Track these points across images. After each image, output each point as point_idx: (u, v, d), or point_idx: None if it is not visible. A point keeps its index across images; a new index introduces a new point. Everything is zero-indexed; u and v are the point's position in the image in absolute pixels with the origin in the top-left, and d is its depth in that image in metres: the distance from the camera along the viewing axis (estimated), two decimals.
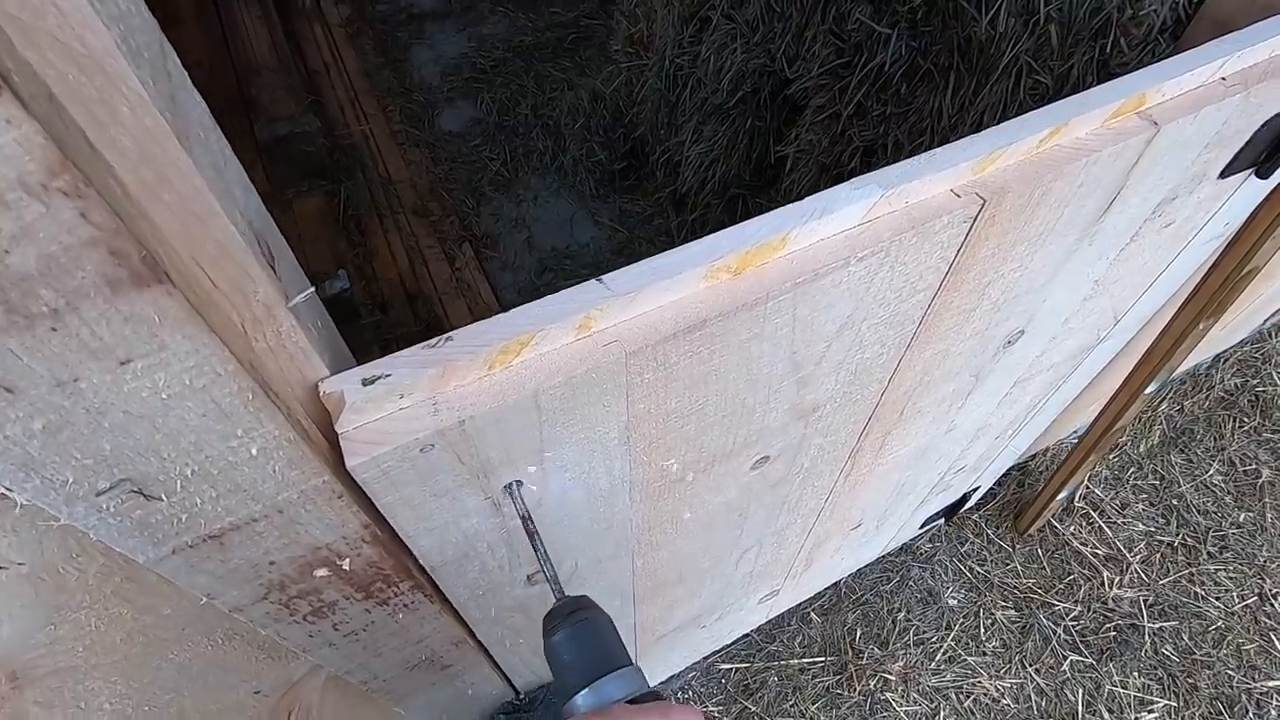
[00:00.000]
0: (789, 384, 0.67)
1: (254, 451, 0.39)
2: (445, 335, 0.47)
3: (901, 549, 1.86)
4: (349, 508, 0.47)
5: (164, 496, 0.38)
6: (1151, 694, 1.69)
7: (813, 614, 1.78)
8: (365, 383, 0.44)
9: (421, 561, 0.59)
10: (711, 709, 1.66)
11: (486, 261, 2.41)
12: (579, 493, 0.63)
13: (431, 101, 2.89)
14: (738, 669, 1.71)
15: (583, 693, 0.48)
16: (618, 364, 0.50)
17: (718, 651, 1.71)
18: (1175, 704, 1.67)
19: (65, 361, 0.29)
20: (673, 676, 1.68)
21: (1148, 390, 1.35)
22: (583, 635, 0.51)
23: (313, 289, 0.40)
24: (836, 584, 1.80)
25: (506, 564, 0.66)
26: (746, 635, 1.74)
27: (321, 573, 0.51)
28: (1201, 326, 1.21)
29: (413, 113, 2.82)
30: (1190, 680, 1.70)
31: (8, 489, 0.33)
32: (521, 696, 1.04)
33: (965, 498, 1.67)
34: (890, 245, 0.58)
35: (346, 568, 0.52)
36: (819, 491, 1.00)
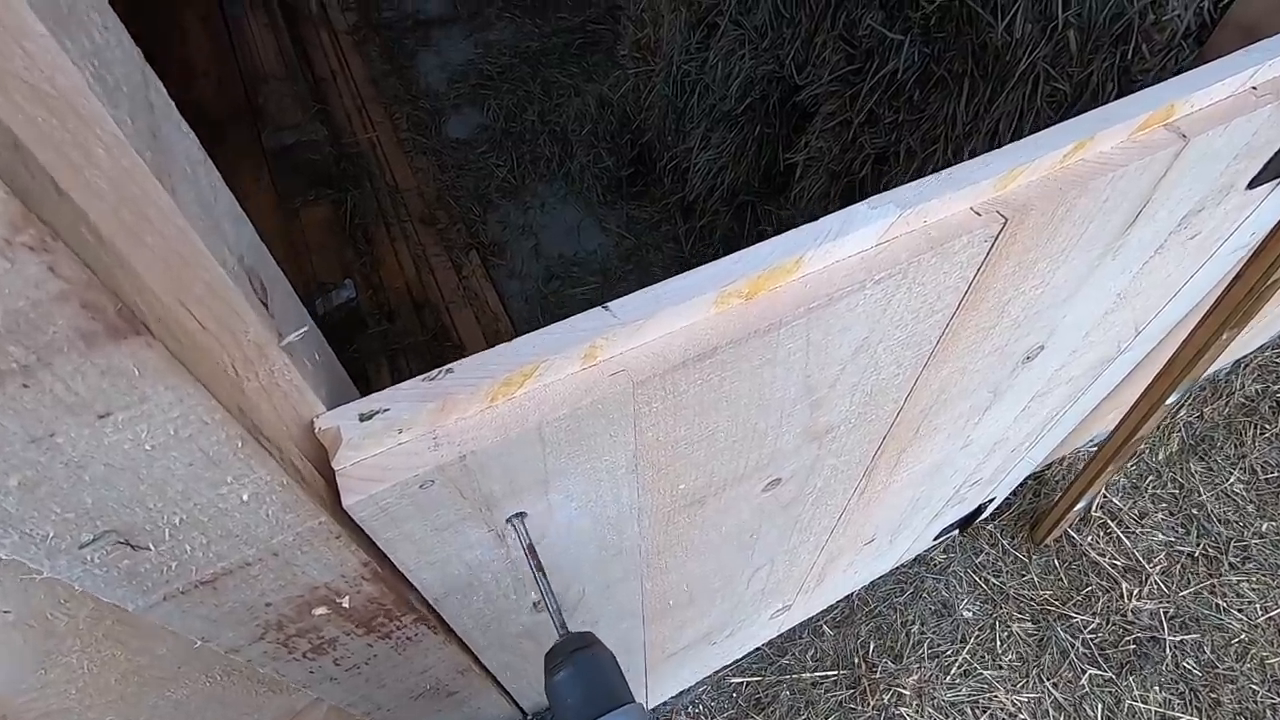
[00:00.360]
0: (802, 407, 0.65)
1: (245, 497, 0.37)
2: (445, 367, 0.45)
3: (915, 560, 1.83)
4: (347, 547, 0.45)
5: (151, 546, 0.36)
6: (1173, 709, 1.65)
7: (825, 627, 1.75)
8: (363, 418, 0.43)
9: (424, 594, 0.57)
10: None
11: (493, 269, 2.39)
12: (586, 521, 0.61)
13: (438, 108, 2.89)
14: (749, 683, 1.68)
15: None
16: (625, 394, 0.48)
17: (729, 666, 1.69)
18: (1198, 719, 1.63)
19: (39, 418, 0.27)
20: (683, 691, 1.66)
21: (1169, 400, 1.32)
22: (584, 673, 0.51)
23: (307, 327, 0.38)
24: (849, 596, 1.77)
25: (511, 592, 0.64)
26: (758, 649, 1.71)
27: (320, 611, 0.50)
28: (1225, 336, 1.17)
29: (419, 120, 2.81)
30: (1213, 695, 1.66)
31: None
32: (529, 718, 1.03)
33: (980, 509, 1.64)
34: (908, 266, 0.55)
35: (346, 605, 0.51)
36: (832, 510, 0.98)
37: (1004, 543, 1.87)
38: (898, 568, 1.82)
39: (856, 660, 1.71)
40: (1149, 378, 1.34)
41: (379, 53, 3.07)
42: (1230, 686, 1.67)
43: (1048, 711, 1.65)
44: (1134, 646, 1.72)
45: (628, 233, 2.48)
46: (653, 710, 1.63)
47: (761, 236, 0.56)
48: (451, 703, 0.81)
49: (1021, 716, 1.65)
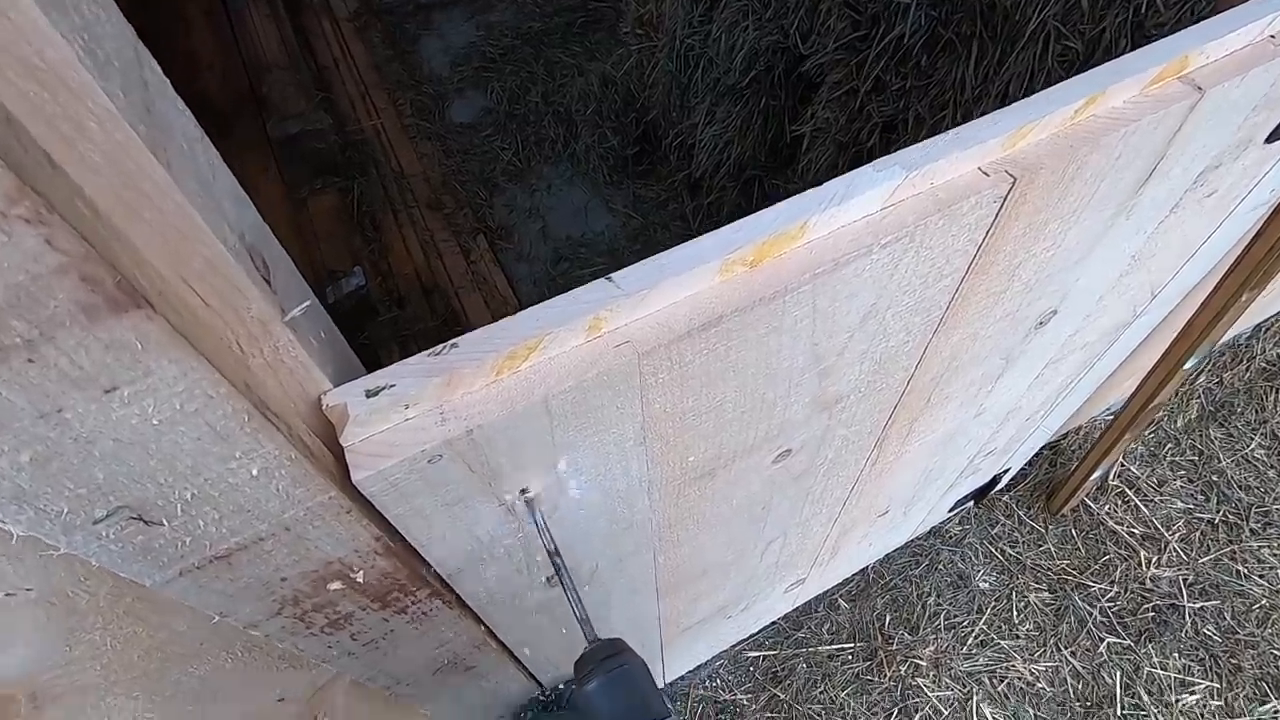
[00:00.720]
0: (810, 376, 0.64)
1: (255, 472, 0.37)
2: (450, 342, 0.45)
3: (930, 533, 1.83)
4: (358, 522, 0.46)
5: (165, 521, 0.36)
6: (1193, 675, 1.65)
7: (841, 600, 1.75)
8: (369, 394, 0.43)
9: (438, 570, 0.57)
10: (740, 696, 1.65)
11: (501, 253, 2.39)
12: (596, 495, 0.61)
13: (442, 93, 2.87)
14: (766, 656, 1.70)
15: None
16: (630, 365, 0.48)
17: (745, 640, 1.70)
18: (1218, 685, 1.63)
19: (46, 392, 0.28)
20: (700, 666, 1.68)
21: (1186, 366, 1.30)
22: (618, 684, 0.51)
23: (310, 301, 0.38)
24: (864, 570, 1.78)
25: (525, 567, 0.65)
26: (774, 623, 1.72)
27: (335, 586, 0.50)
28: (1244, 298, 1.15)
29: (423, 105, 2.80)
30: (1234, 661, 1.65)
31: (2, 521, 0.32)
32: (547, 691, 1.04)
33: (995, 480, 1.63)
34: (915, 229, 0.55)
35: (360, 580, 0.51)
36: (844, 482, 0.98)
37: (1020, 514, 1.86)
38: (913, 541, 1.81)
39: (873, 632, 1.71)
40: (1166, 342, 1.32)
41: (381, 38, 3.05)
42: (1251, 652, 1.66)
43: (1065, 680, 1.65)
44: (1153, 614, 1.72)
45: (635, 212, 2.47)
46: (670, 684, 1.65)
47: None
48: (469, 676, 0.83)
49: (1039, 685, 1.65)
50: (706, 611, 1.20)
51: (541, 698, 1.03)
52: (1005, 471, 1.62)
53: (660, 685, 1.55)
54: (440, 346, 0.45)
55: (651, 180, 2.52)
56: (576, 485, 0.58)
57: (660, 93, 2.19)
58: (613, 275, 0.48)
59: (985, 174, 0.58)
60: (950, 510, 1.69)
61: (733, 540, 0.94)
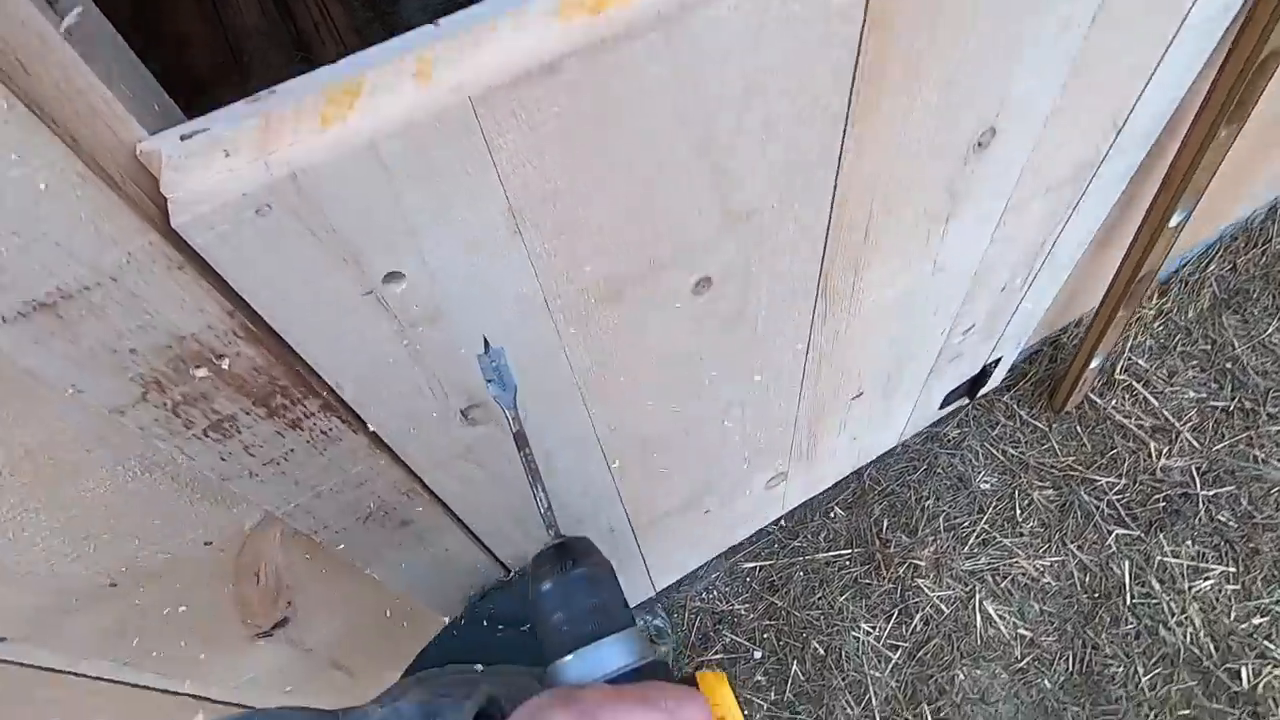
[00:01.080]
0: (702, 172, 0.62)
1: (42, 186, 0.37)
2: (269, 89, 0.44)
3: (927, 438, 1.79)
4: (198, 284, 0.45)
5: None
6: (1207, 561, 1.59)
7: (836, 508, 1.73)
8: (183, 138, 0.42)
9: (321, 374, 0.57)
10: (738, 606, 1.64)
11: None
12: (480, 292, 0.60)
13: None
14: (762, 566, 1.68)
15: (569, 658, 0.41)
16: (465, 114, 0.46)
17: (740, 550, 1.69)
18: (1234, 569, 1.57)
19: None
20: (695, 579, 1.67)
21: (1172, 222, 1.24)
22: (577, 588, 0.44)
23: (81, 7, 0.38)
24: (860, 476, 1.75)
25: (427, 389, 0.64)
26: (769, 534, 1.71)
27: (201, 373, 0.50)
28: (1223, 135, 1.09)
29: None
30: (1250, 545, 1.59)
31: None
32: (512, 574, 1.04)
33: (986, 372, 1.58)
34: None
35: (228, 368, 0.51)
36: (791, 338, 0.95)
37: (1021, 414, 1.80)
38: (909, 446, 1.78)
39: (870, 537, 1.69)
40: (1147, 205, 1.26)
41: (360, 1, 3.05)
42: (1269, 535, 1.59)
43: (1072, 573, 1.61)
44: (1164, 504, 1.66)
45: None
46: (664, 597, 1.65)
47: None
48: (410, 535, 0.83)
49: (1044, 580, 1.61)
50: (678, 501, 1.19)
51: (505, 580, 1.04)
52: (997, 362, 1.57)
53: (651, 595, 1.55)
54: (260, 93, 0.44)
55: None
56: (453, 280, 0.56)
57: None
58: (439, 20, 0.46)
59: None
60: (942, 406, 1.65)
61: (678, 404, 0.92)
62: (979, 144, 0.83)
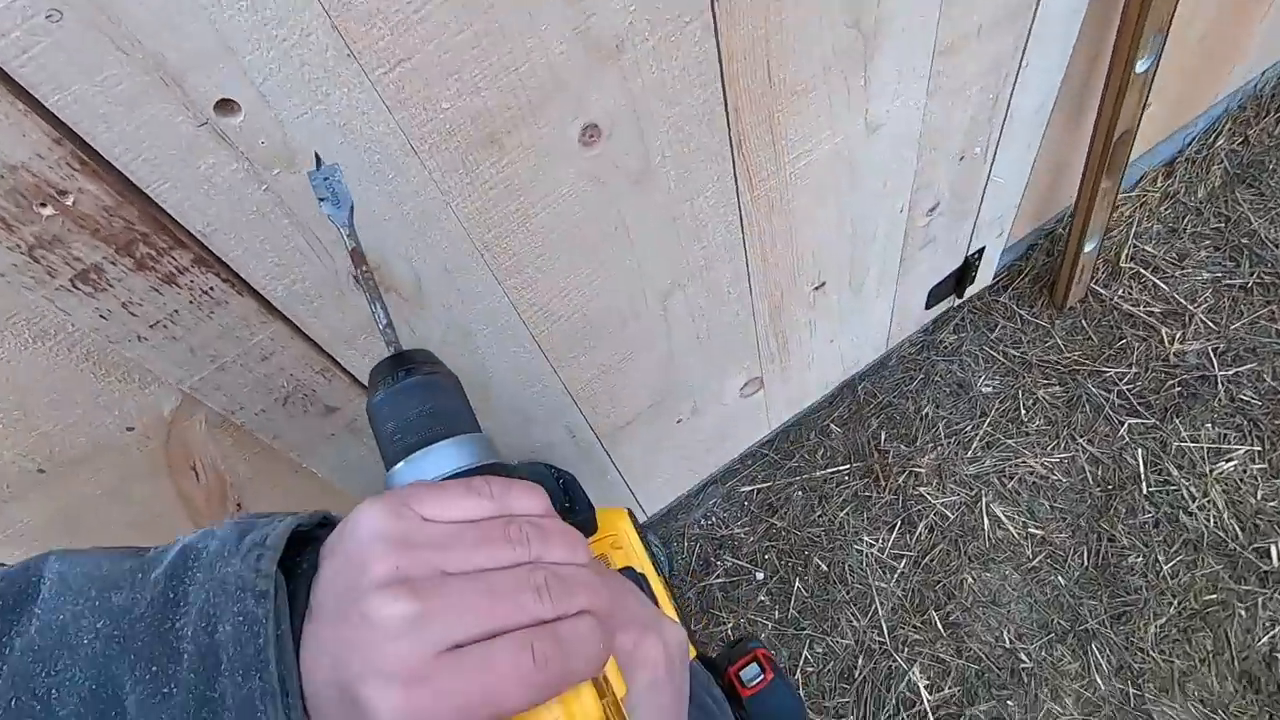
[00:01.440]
0: None
1: None
2: None
3: (922, 346, 1.73)
4: (12, 104, 0.46)
5: None
6: (1229, 442, 1.50)
7: (832, 425, 1.69)
8: None
9: (179, 220, 0.58)
10: (737, 530, 1.62)
11: None
12: (344, 144, 0.60)
13: None
14: (759, 489, 1.66)
15: (400, 465, 0.38)
16: None
17: (736, 475, 1.67)
18: (1259, 448, 1.48)
19: None
20: (693, 505, 1.66)
21: (1138, 68, 1.17)
22: (409, 395, 0.41)
23: None
24: (854, 390, 1.70)
25: (307, 248, 0.65)
26: (764, 456, 1.68)
27: (47, 211, 0.51)
28: None
29: None
30: (1276, 421, 1.49)
31: None
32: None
33: (971, 265, 1.52)
34: None
35: (73, 205, 0.52)
36: (719, 209, 0.93)
37: (1021, 313, 1.73)
38: (904, 356, 1.72)
39: (868, 450, 1.64)
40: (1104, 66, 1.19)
41: None
42: None
43: (1083, 468, 1.54)
44: (1179, 389, 1.57)
45: None
46: (662, 523, 1.64)
47: None
48: (341, 425, 0.84)
49: (1054, 477, 1.54)
50: (640, 404, 1.17)
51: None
52: (980, 253, 1.51)
53: (644, 519, 1.54)
54: None
55: None
56: (298, 118, 0.56)
57: None
58: None
59: None
60: (929, 308, 1.59)
61: (605, 278, 0.91)
62: None
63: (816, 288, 1.22)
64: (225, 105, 0.53)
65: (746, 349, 1.24)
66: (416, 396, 0.41)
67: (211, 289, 0.63)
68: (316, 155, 0.58)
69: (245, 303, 0.66)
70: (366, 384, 0.42)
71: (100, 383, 0.67)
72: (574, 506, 0.64)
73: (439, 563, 0.29)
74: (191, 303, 0.63)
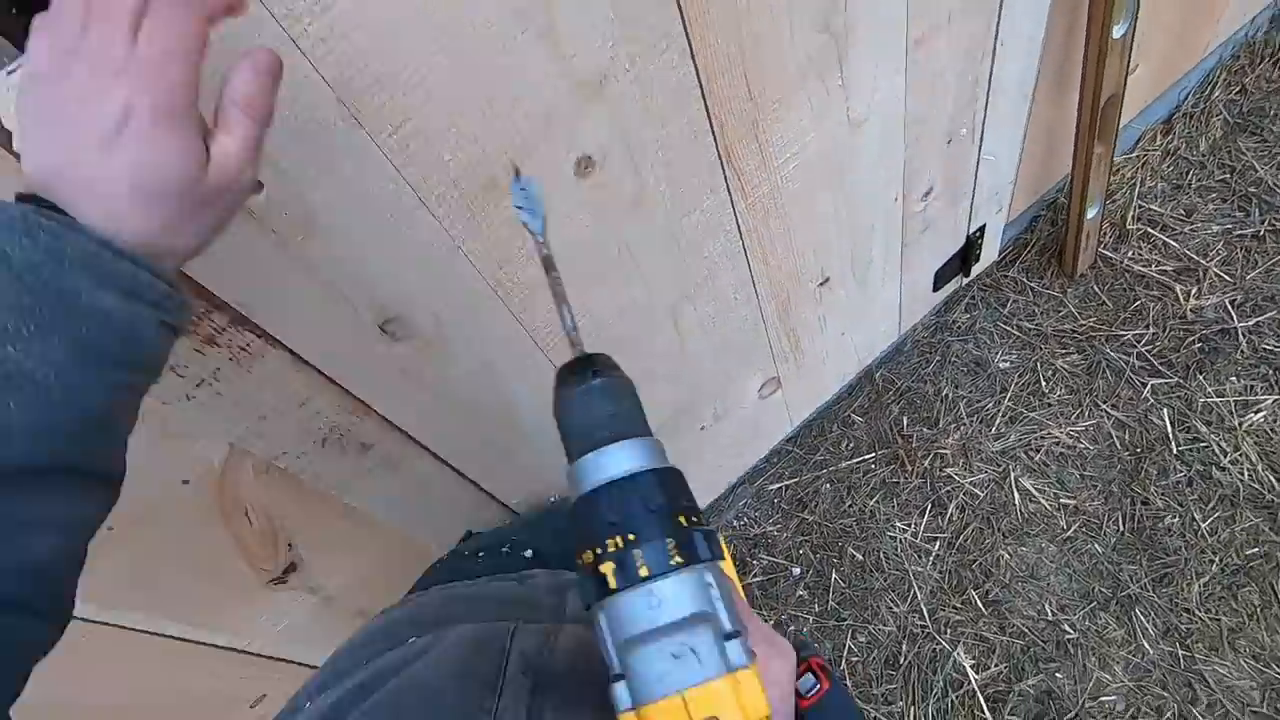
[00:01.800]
0: (527, 36, 0.64)
1: None
2: None
3: (935, 328, 1.74)
4: None
5: None
6: (1256, 393, 1.49)
7: (853, 415, 1.71)
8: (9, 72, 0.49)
9: (207, 287, 0.63)
10: (769, 529, 1.64)
11: None
12: (358, 206, 0.65)
13: None
14: (788, 486, 1.68)
15: (585, 458, 0.41)
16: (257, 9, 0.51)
17: (763, 474, 1.69)
18: None
19: None
20: (724, 508, 1.68)
21: (1115, 33, 1.18)
22: (597, 396, 0.44)
23: None
24: (871, 378, 1.72)
25: (330, 304, 0.69)
26: (789, 453, 1.70)
27: None
28: None
29: None
30: None
31: None
32: (517, 521, 1.08)
33: (974, 244, 1.53)
34: None
35: None
36: (715, 220, 0.96)
37: (1032, 285, 1.74)
38: (919, 340, 1.74)
39: (891, 437, 1.66)
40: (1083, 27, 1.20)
41: None
42: None
43: (1109, 433, 1.54)
44: (1199, 345, 1.56)
45: None
46: None
47: None
48: (378, 462, 0.88)
49: (1081, 445, 1.54)
50: (663, 413, 1.21)
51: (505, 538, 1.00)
52: (981, 231, 1.52)
53: None
54: None
55: None
56: (316, 188, 0.61)
57: None
58: None
59: None
60: (937, 290, 1.61)
61: (616, 302, 0.94)
62: None
63: (821, 284, 1.25)
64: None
65: (760, 351, 1.27)
66: (603, 397, 0.44)
67: (249, 345, 0.68)
68: (515, 168, 0.64)
69: (280, 355, 0.71)
70: (554, 383, 0.47)
71: (157, 443, 0.72)
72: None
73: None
74: (231, 359, 0.68)
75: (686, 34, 0.75)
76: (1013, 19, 1.08)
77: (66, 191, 0.36)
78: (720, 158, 0.90)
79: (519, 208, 0.54)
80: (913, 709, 1.41)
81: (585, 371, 0.45)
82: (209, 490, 0.80)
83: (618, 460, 0.41)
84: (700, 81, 0.80)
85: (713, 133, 0.86)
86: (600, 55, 0.70)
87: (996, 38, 1.09)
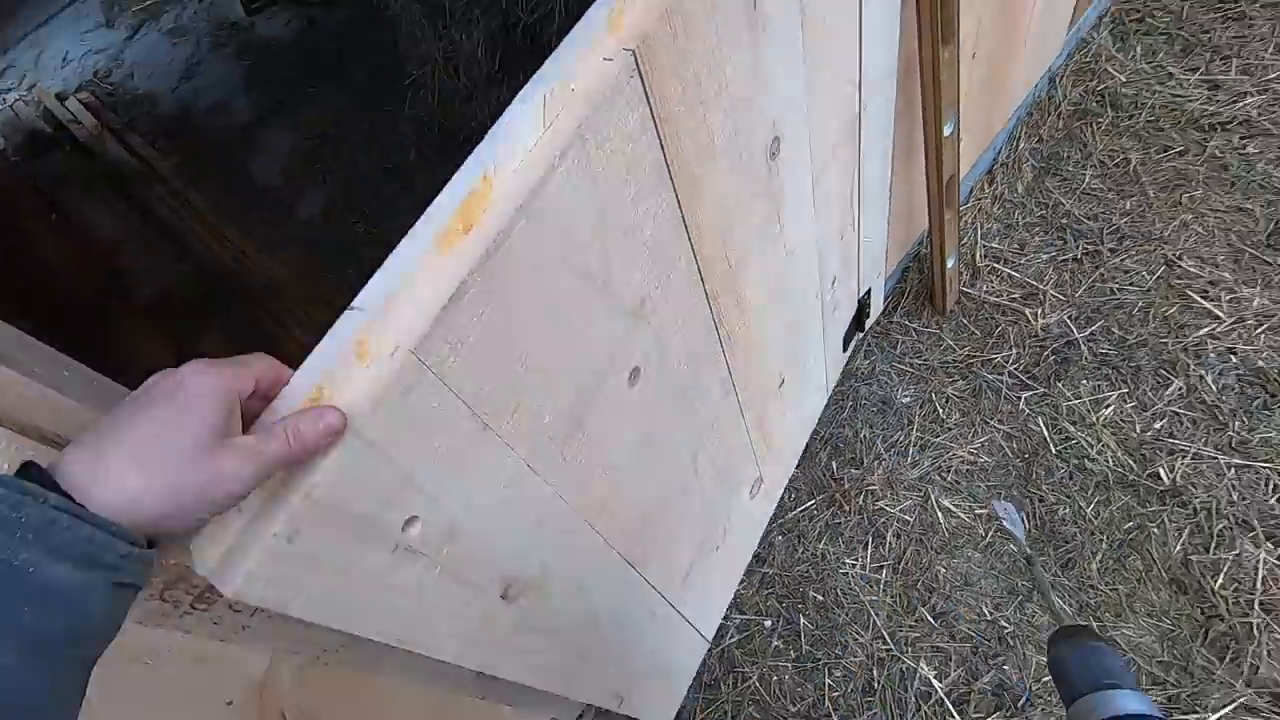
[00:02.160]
0: (593, 294, 0.72)
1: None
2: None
3: (844, 376, 1.96)
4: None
5: None
6: (1103, 391, 1.81)
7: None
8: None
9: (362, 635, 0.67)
10: (738, 589, 1.78)
11: None
12: (483, 499, 0.69)
13: (284, 200, 2.91)
14: None
15: (1097, 693, 0.61)
16: (411, 368, 0.55)
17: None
18: (1126, 389, 1.79)
19: None
20: None
21: (945, 131, 1.44)
22: (1093, 653, 0.65)
23: None
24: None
25: (460, 593, 0.74)
26: None
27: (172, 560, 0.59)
28: (946, 55, 1.28)
29: (271, 218, 2.84)
30: (1132, 364, 1.82)
31: None
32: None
33: (865, 305, 1.77)
34: (583, 133, 0.62)
35: None
36: (714, 374, 1.07)
37: (914, 327, 2.00)
38: (831, 392, 1.95)
39: (825, 482, 1.85)
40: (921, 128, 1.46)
41: (212, 180, 3.06)
42: (1143, 350, 1.83)
43: (1000, 445, 1.81)
44: (1053, 357, 1.88)
45: None
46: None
47: None
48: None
49: (981, 459, 1.80)
50: (691, 554, 1.30)
51: None
52: (869, 293, 1.76)
53: (706, 648, 1.66)
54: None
55: None
56: (455, 495, 0.66)
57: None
58: (355, 302, 0.55)
59: (610, 60, 0.68)
60: (846, 350, 1.83)
61: (655, 479, 1.03)
62: (771, 154, 0.98)
63: (780, 385, 1.41)
64: (409, 521, 0.63)
65: (747, 461, 1.41)
66: (1105, 654, 0.65)
67: None
68: (1001, 498, 0.80)
69: None
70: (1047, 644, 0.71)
71: (211, 677, 0.74)
72: None
73: None
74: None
75: (690, 244, 0.87)
76: (870, 133, 1.30)
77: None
78: (715, 323, 1.01)
79: (1002, 520, 0.88)
80: None
81: (1083, 634, 0.65)
82: (249, 705, 0.82)
83: (1126, 701, 0.59)
84: (700, 271, 0.91)
85: (710, 308, 0.97)
86: (637, 284, 0.80)
87: (861, 151, 1.30)
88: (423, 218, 0.59)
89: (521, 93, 0.64)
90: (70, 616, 0.39)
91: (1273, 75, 2.11)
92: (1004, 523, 0.85)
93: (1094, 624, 1.59)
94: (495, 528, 0.75)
